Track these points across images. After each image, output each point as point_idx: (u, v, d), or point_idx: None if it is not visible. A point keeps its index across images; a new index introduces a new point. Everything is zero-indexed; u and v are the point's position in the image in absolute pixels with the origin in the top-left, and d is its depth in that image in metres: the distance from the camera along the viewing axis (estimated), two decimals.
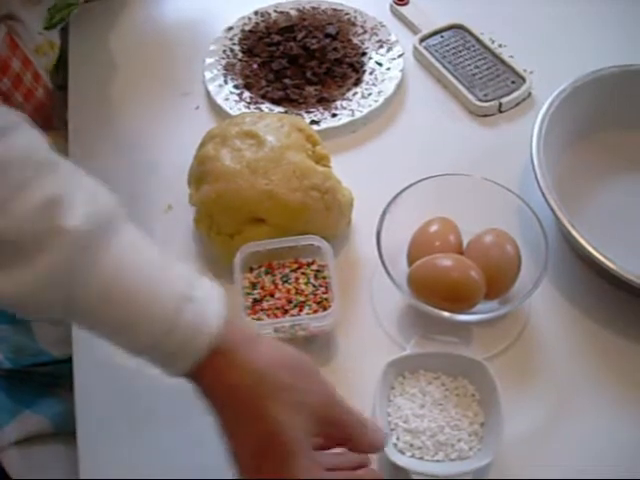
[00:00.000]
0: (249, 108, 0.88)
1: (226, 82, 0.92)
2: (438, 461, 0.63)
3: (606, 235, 0.73)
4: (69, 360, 0.72)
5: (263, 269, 0.71)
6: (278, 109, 0.88)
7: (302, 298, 0.69)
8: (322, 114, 0.88)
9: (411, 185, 0.74)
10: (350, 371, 0.70)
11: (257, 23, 0.98)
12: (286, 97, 0.90)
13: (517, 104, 0.90)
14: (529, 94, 0.91)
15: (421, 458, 0.63)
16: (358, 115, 0.88)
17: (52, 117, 0.94)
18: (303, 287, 0.70)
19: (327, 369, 0.69)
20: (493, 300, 0.71)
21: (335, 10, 0.99)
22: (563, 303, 0.74)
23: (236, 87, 0.91)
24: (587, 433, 0.67)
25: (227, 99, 0.89)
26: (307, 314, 0.68)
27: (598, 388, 0.69)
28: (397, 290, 0.69)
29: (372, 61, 0.94)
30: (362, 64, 0.94)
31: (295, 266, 0.71)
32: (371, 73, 0.92)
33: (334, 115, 0.88)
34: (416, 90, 0.93)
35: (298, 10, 0.99)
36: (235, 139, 0.75)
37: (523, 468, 0.65)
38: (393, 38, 0.95)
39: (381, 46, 0.95)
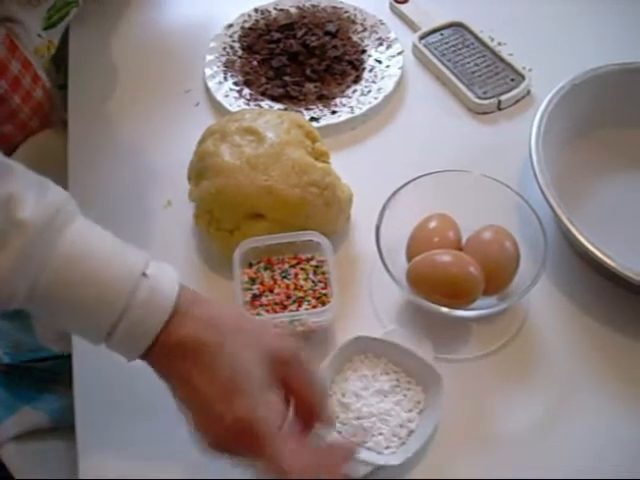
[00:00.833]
0: (249, 105, 0.88)
1: (226, 79, 0.92)
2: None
3: (604, 232, 0.73)
4: (68, 356, 0.72)
5: (262, 264, 0.71)
6: (278, 106, 0.88)
7: (301, 293, 0.69)
8: (322, 111, 0.88)
9: (410, 181, 0.74)
10: None
11: (257, 20, 0.99)
12: (286, 94, 0.90)
13: (516, 102, 0.91)
14: (528, 92, 0.91)
15: (339, 432, 0.64)
16: (357, 112, 0.88)
17: (50, 117, 0.95)
18: (302, 283, 0.70)
19: None
20: (492, 296, 0.71)
21: (335, 8, 0.99)
22: (561, 300, 0.74)
23: (236, 84, 0.91)
24: (586, 430, 0.67)
25: (227, 96, 0.90)
26: (306, 309, 0.68)
27: (596, 384, 0.69)
28: (396, 286, 0.69)
29: (372, 59, 0.94)
30: (362, 62, 0.94)
31: (294, 262, 0.71)
32: (371, 70, 0.92)
33: (334, 112, 0.88)
34: (415, 88, 0.93)
35: (298, 8, 1.00)
36: (235, 135, 0.75)
37: (522, 464, 0.65)
38: (393, 36, 0.96)
39: (381, 44, 0.95)
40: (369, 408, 0.65)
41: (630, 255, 0.70)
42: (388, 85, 0.90)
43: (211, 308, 0.57)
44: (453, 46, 0.95)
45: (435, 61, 0.93)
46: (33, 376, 0.83)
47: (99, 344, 0.56)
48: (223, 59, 0.94)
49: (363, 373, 0.67)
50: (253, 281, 0.70)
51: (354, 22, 0.98)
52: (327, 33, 0.95)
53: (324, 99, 0.90)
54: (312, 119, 0.86)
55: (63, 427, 0.79)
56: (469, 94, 0.90)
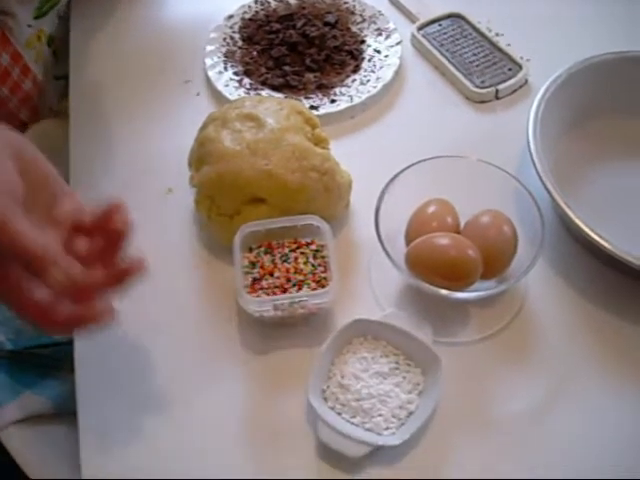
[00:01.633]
0: (249, 94, 0.89)
1: (226, 69, 0.92)
2: (352, 423, 0.64)
3: (601, 217, 0.74)
4: (70, 342, 0.72)
5: (262, 249, 0.72)
6: (278, 95, 0.89)
7: (301, 277, 0.70)
8: (321, 100, 0.89)
9: (409, 166, 0.75)
10: None
11: (257, 11, 0.99)
12: (286, 84, 0.91)
13: (514, 91, 0.91)
14: (526, 81, 0.92)
15: (339, 414, 0.65)
16: (357, 101, 0.88)
17: (38, 108, 0.96)
18: (302, 266, 0.71)
19: None
20: (490, 280, 0.72)
21: None
22: (559, 283, 0.75)
23: (236, 74, 0.92)
24: (585, 412, 0.67)
25: (227, 85, 0.90)
26: (306, 292, 0.69)
27: (594, 366, 0.70)
28: (395, 269, 0.69)
29: (370, 49, 0.94)
30: (361, 51, 0.94)
31: (294, 246, 0.72)
32: (370, 60, 0.93)
33: (333, 101, 0.89)
34: (414, 77, 0.94)
35: None
36: (235, 121, 0.75)
37: (520, 446, 0.65)
38: (392, 26, 0.96)
39: (379, 34, 0.96)
40: (368, 390, 0.65)
41: (626, 239, 0.71)
42: (387, 74, 0.91)
43: None
44: (451, 36, 0.96)
45: (434, 51, 0.94)
46: (35, 362, 0.83)
47: None
48: (223, 49, 0.95)
49: (362, 355, 0.67)
50: (253, 265, 0.71)
51: (353, 13, 0.99)
52: (326, 24, 0.96)
53: (323, 88, 0.90)
54: (312, 107, 0.87)
55: (65, 412, 0.80)
56: (467, 83, 0.90)
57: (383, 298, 0.73)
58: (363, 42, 0.95)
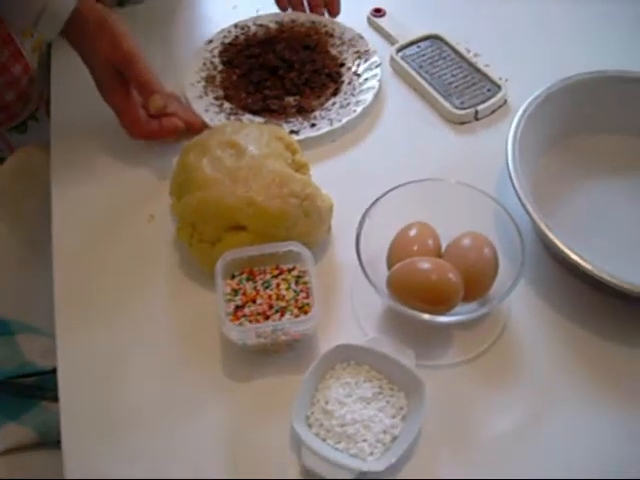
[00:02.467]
0: (229, 119, 0.89)
1: (206, 93, 0.93)
2: (336, 449, 0.64)
3: (581, 237, 0.74)
4: (53, 371, 0.72)
5: (244, 275, 0.72)
6: (258, 119, 0.89)
7: (283, 303, 0.70)
8: (301, 124, 0.89)
9: (390, 190, 0.75)
10: None
11: (237, 36, 1.00)
12: (266, 107, 0.91)
13: (493, 111, 0.92)
14: (505, 101, 0.93)
15: (324, 440, 0.65)
16: (337, 125, 0.89)
17: (29, 94, 0.99)
18: (284, 293, 0.71)
19: None
20: (472, 302, 0.72)
21: (313, 23, 1.01)
22: (540, 304, 0.75)
23: (216, 98, 0.92)
24: (567, 434, 0.67)
25: (207, 110, 0.91)
26: (288, 319, 0.69)
27: (577, 388, 0.70)
28: (377, 294, 0.69)
29: (350, 72, 0.95)
30: (340, 74, 0.95)
31: (276, 272, 0.72)
32: (349, 83, 0.94)
33: (313, 125, 0.89)
34: (394, 99, 0.94)
35: (277, 23, 1.01)
36: (216, 148, 0.76)
37: (503, 468, 0.65)
38: (371, 49, 0.97)
39: (359, 57, 0.96)
40: (352, 415, 0.65)
41: (606, 259, 0.71)
42: (366, 97, 0.92)
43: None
44: (430, 58, 0.97)
45: (413, 73, 0.95)
46: (18, 392, 0.83)
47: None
48: (203, 74, 0.95)
49: (346, 380, 0.67)
50: (236, 292, 0.71)
51: (332, 36, 0.99)
52: (306, 47, 0.97)
53: (304, 112, 0.91)
54: (292, 132, 0.87)
55: (49, 442, 0.79)
56: (447, 105, 0.91)
57: (365, 323, 0.74)
58: (342, 65, 0.96)
